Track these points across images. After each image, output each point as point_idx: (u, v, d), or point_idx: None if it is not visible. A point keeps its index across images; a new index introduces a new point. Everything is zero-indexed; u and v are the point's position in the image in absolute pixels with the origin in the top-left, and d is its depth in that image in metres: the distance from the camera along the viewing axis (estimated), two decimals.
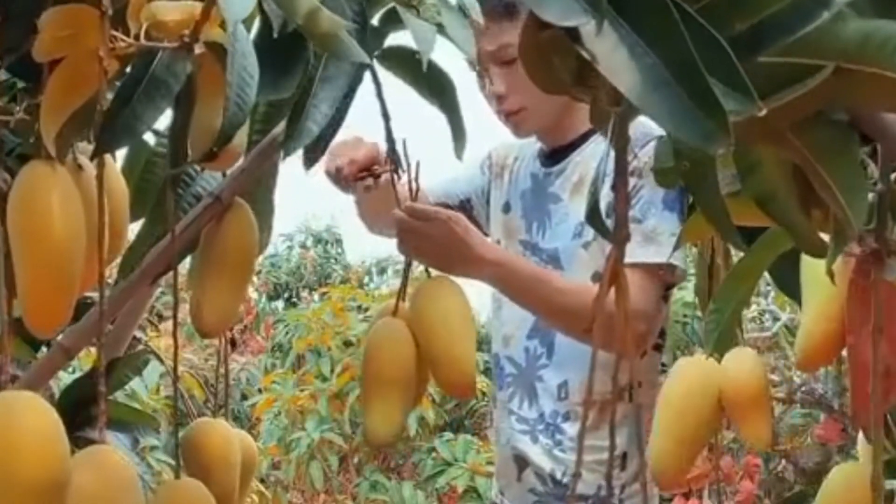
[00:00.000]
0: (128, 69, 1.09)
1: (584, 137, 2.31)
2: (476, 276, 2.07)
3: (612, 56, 0.74)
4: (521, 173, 2.44)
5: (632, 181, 2.12)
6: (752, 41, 0.81)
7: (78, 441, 1.23)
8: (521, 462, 2.38)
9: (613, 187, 0.81)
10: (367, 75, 1.15)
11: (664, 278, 2.16)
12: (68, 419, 1.02)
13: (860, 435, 1.40)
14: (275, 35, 1.04)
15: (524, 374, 2.36)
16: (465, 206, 2.55)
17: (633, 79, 0.73)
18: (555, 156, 2.37)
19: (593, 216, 0.86)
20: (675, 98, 0.72)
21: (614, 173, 0.80)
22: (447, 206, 2.45)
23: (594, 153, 2.25)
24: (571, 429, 2.30)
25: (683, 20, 0.74)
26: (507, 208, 2.45)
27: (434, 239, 1.90)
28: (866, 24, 0.82)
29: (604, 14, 0.74)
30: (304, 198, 10.37)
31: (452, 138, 1.26)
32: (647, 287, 2.14)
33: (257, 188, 1.35)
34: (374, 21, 1.12)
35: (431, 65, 1.13)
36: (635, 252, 2.10)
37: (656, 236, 2.13)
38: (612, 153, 0.82)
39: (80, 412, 1.34)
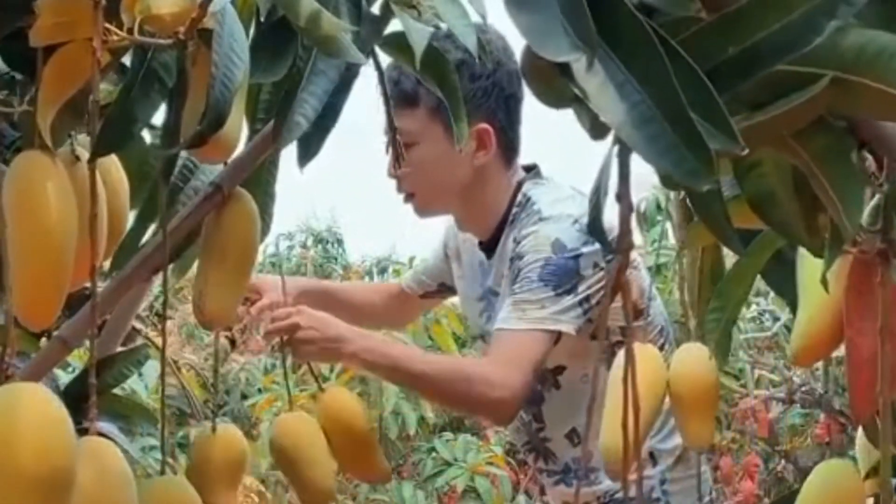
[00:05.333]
0: (122, 62, 1.09)
1: (500, 229, 2.37)
2: (352, 361, 2.29)
3: (601, 93, 0.76)
4: (470, 259, 2.51)
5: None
6: (744, 64, 0.82)
7: (81, 432, 1.23)
8: None
9: (618, 197, 0.82)
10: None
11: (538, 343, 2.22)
12: (73, 412, 1.02)
13: (859, 432, 1.40)
14: (261, 19, 1.04)
15: (533, 441, 2.46)
16: (443, 290, 2.70)
17: (621, 116, 0.75)
18: (486, 247, 2.44)
19: (594, 228, 0.87)
20: (660, 135, 0.74)
21: (618, 182, 0.82)
22: (429, 292, 2.72)
23: (504, 249, 2.35)
24: (597, 463, 2.34)
25: (670, 57, 0.76)
26: (468, 297, 2.55)
27: (314, 343, 2.11)
28: (862, 35, 0.84)
29: (594, 50, 0.76)
30: (305, 197, 10.39)
31: (453, 122, 1.26)
32: (515, 355, 2.21)
33: (258, 177, 1.35)
34: (375, 8, 1.12)
35: (432, 49, 1.14)
36: (508, 320, 2.22)
37: (524, 306, 2.22)
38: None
39: (84, 404, 1.34)
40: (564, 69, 0.77)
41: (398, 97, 2.23)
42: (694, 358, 1.44)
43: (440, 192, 2.39)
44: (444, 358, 2.53)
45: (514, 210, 2.34)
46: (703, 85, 0.76)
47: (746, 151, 0.77)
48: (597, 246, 2.23)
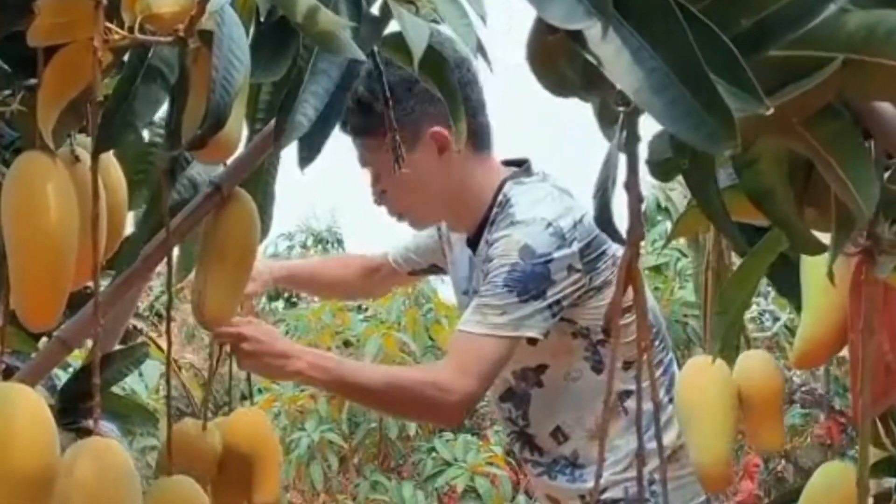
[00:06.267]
0: (124, 60, 1.09)
1: (482, 228, 2.36)
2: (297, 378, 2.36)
3: (617, 59, 0.74)
4: (460, 251, 2.51)
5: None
6: (757, 37, 0.81)
7: (79, 431, 1.23)
8: (554, 500, 2.43)
9: (626, 186, 0.81)
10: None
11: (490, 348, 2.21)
12: (70, 410, 1.02)
13: None
14: (261, 19, 1.04)
15: (520, 432, 2.45)
16: (434, 270, 2.71)
17: (638, 82, 0.74)
18: (472, 244, 2.44)
19: (603, 220, 0.86)
20: (679, 100, 0.73)
21: (626, 172, 0.81)
22: (417, 270, 2.73)
23: (483, 250, 2.35)
24: (584, 460, 2.34)
25: (687, 20, 0.74)
26: (457, 289, 2.55)
27: (257, 356, 2.14)
28: (871, 15, 0.82)
29: (609, 17, 0.74)
30: (305, 197, 10.37)
31: (452, 122, 1.26)
32: (472, 360, 2.21)
33: (258, 177, 1.35)
34: (375, 9, 1.12)
35: (431, 49, 1.13)
36: (468, 322, 2.23)
37: (486, 310, 2.21)
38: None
39: (81, 403, 1.34)
40: (577, 37, 0.75)
41: (352, 130, 2.33)
42: (759, 364, 1.45)
43: (424, 205, 2.41)
44: (391, 369, 2.57)
45: (495, 210, 2.33)
46: (722, 44, 0.75)
47: (771, 111, 0.75)
48: (573, 248, 2.23)
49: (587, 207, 2.28)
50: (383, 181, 2.37)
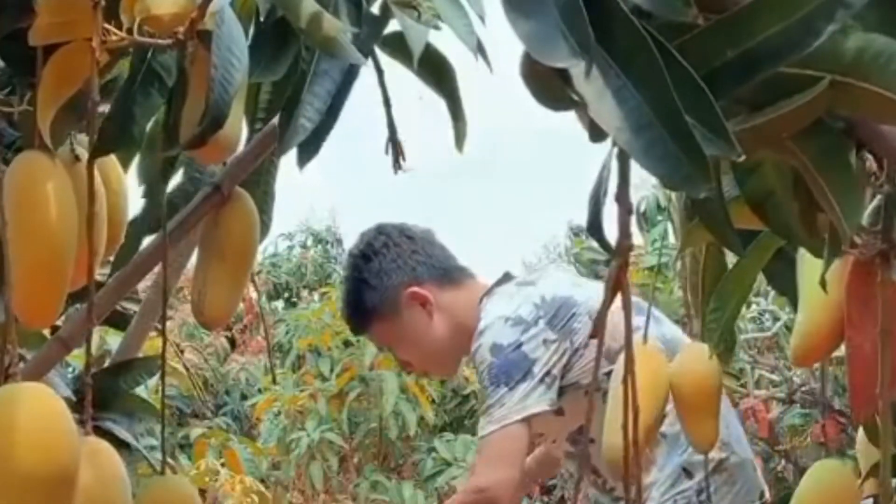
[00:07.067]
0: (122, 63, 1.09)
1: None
2: None
3: (599, 99, 0.76)
4: None
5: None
6: (743, 68, 0.82)
7: (96, 430, 1.24)
8: None
9: (616, 199, 0.82)
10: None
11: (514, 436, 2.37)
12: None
13: (860, 432, 1.39)
14: (261, 18, 1.04)
15: (615, 495, 2.51)
16: None
17: (619, 122, 0.76)
18: None
19: (594, 228, 0.87)
20: (658, 142, 0.75)
21: (617, 185, 0.82)
22: None
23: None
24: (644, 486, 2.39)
25: (666, 62, 0.76)
26: None
27: None
28: (861, 38, 0.84)
29: (592, 56, 0.76)
30: (305, 197, 10.38)
31: (452, 124, 1.26)
32: (494, 456, 2.38)
33: (258, 177, 1.35)
34: (375, 8, 1.12)
35: (432, 50, 1.14)
36: (481, 429, 2.41)
37: (489, 411, 2.38)
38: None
39: (99, 403, 1.36)
40: (563, 74, 0.77)
41: (356, 329, 2.74)
42: (696, 358, 1.43)
43: (435, 352, 2.62)
44: None
45: (475, 327, 2.50)
46: (699, 89, 0.76)
47: (743, 157, 0.77)
48: (540, 326, 2.38)
49: (548, 287, 2.50)
50: (401, 353, 2.68)
